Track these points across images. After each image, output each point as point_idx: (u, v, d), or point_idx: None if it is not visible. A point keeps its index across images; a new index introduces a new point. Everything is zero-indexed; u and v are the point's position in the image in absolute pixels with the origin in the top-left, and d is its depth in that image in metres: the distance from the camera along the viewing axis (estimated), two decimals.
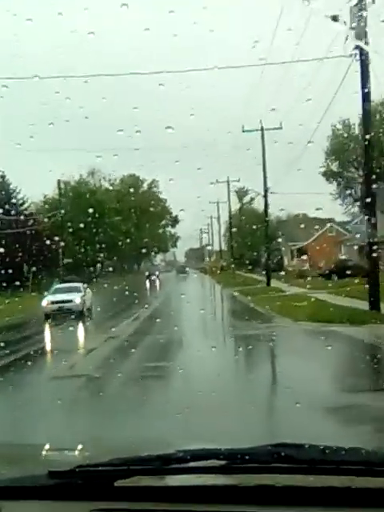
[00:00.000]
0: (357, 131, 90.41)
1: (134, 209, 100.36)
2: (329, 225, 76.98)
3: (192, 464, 2.03)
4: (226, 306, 32.81)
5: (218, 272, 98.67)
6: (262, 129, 49.26)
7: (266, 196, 49.10)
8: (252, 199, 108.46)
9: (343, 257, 64.12)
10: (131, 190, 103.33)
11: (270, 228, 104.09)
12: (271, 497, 1.92)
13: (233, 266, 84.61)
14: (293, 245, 78.83)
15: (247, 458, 2.04)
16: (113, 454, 2.25)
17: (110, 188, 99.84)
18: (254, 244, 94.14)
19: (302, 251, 76.26)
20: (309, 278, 57.02)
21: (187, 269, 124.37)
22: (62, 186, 76.43)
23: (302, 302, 28.94)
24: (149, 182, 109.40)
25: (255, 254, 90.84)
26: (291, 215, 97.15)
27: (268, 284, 49.13)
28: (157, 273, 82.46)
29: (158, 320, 24.40)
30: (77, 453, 2.65)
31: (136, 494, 2.00)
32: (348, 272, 52.11)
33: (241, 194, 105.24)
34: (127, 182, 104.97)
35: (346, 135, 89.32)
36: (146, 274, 78.66)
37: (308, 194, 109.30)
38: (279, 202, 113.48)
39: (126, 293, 36.99)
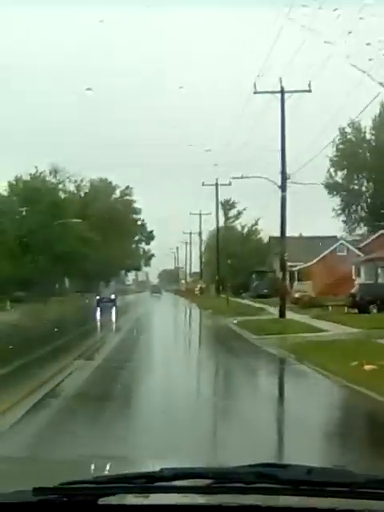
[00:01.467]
0: (368, 136, 74.66)
1: (103, 218, 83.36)
2: (339, 242, 60.49)
3: (176, 483, 1.96)
4: (264, 380, 14.72)
5: (197, 294, 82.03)
6: (281, 90, 32.67)
7: (283, 183, 32.35)
8: (239, 213, 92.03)
9: (366, 281, 47.44)
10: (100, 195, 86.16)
11: (259, 247, 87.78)
12: None
13: (219, 287, 68.11)
14: (292, 266, 61.97)
15: (232, 477, 1.99)
16: (97, 472, 2.23)
17: (75, 191, 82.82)
18: (239, 265, 77.13)
19: (304, 274, 59.58)
20: (329, 308, 40.53)
21: (161, 290, 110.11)
22: (12, 179, 59.30)
23: None
24: (122, 188, 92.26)
25: (235, 276, 74.73)
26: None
27: (281, 315, 32.27)
28: (112, 296, 59.61)
29: (93, 428, 7.61)
30: (61, 469, 2.61)
31: None
32: None
33: (227, 206, 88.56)
34: (97, 186, 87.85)
35: (354, 140, 73.39)
36: (97, 298, 57.33)
37: (301, 214, 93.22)
38: (268, 224, 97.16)
39: (59, 326, 20.84)
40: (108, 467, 2.54)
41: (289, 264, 64.32)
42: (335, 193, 76.19)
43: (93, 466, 2.59)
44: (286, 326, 26.54)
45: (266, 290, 61.43)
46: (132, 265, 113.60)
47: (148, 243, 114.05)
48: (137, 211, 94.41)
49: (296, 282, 60.45)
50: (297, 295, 47.69)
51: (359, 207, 75.48)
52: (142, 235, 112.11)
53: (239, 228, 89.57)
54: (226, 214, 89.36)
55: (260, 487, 1.95)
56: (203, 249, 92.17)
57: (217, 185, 62.00)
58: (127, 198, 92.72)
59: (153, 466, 2.16)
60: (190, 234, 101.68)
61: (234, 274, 76.22)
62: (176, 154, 77.28)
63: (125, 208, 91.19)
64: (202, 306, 47.92)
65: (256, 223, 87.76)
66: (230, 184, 64.01)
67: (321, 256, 59.06)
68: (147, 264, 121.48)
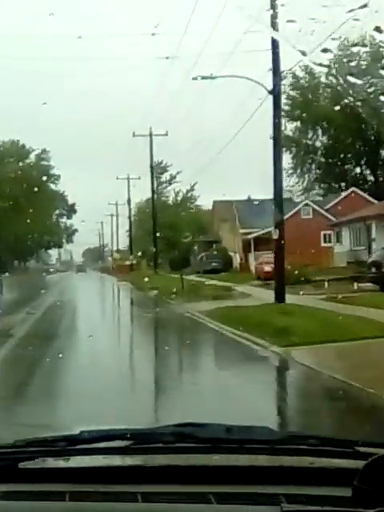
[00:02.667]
0: (324, 79, 62.14)
1: (13, 185, 68.81)
2: (304, 203, 48.14)
3: (97, 445, 1.93)
4: None
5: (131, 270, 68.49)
6: None
7: (277, 84, 19.33)
8: (173, 178, 78.32)
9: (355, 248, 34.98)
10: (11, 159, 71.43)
11: (197, 216, 74.81)
12: (175, 476, 1.82)
13: (156, 263, 55.10)
14: (245, 233, 49.22)
15: (151, 438, 2.00)
16: (16, 436, 2.09)
17: None
18: (175, 237, 63.95)
19: (262, 242, 46.79)
20: (325, 284, 27.96)
21: (86, 268, 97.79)
22: None
23: None
24: (37, 152, 77.43)
25: (170, 249, 62.23)
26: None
27: (280, 299, 19.35)
28: None
29: None
30: None
31: (41, 476, 1.86)
32: None
33: (158, 170, 74.77)
34: (5, 149, 72.97)
35: (308, 86, 60.76)
36: None
37: (246, 175, 79.90)
38: (205, 188, 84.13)
39: None
40: (27, 432, 2.42)
41: (241, 231, 51.64)
42: (285, 149, 63.80)
43: (11, 432, 2.43)
44: (323, 322, 13.60)
45: (215, 264, 48.62)
46: (52, 241, 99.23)
47: (70, 217, 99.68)
48: (55, 178, 79.74)
49: (252, 253, 47.69)
50: (267, 268, 34.92)
51: (313, 165, 63.35)
52: (64, 209, 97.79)
53: (173, 194, 76.40)
54: (157, 179, 75.77)
55: (180, 447, 1.93)
56: (132, 220, 78.59)
57: (151, 135, 48.45)
58: (44, 162, 78.03)
59: (72, 430, 2.05)
60: (117, 204, 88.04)
61: (170, 247, 63.36)
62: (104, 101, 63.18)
63: (41, 175, 76.44)
64: (140, 287, 34.39)
65: (192, 188, 74.57)
66: (166, 134, 50.77)
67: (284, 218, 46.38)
68: (69, 240, 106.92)
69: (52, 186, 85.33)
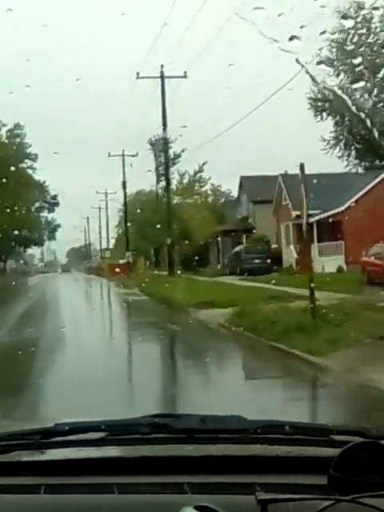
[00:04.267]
0: (378, 19, 46.84)
1: None
2: None
3: (72, 437, 1.90)
4: None
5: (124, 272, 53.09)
6: None
7: None
8: (177, 156, 62.55)
9: None
10: None
11: (208, 203, 59.81)
12: (151, 467, 1.82)
13: (171, 261, 39.91)
14: (297, 217, 33.63)
15: (126, 429, 1.98)
16: None
17: None
18: (184, 229, 48.34)
19: (331, 226, 31.43)
20: None
21: (71, 269, 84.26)
22: None
23: None
24: (9, 127, 61.47)
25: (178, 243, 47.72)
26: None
27: None
28: None
29: None
30: None
31: (15, 469, 1.83)
32: None
33: (159, 147, 59.05)
34: None
35: (357, 28, 45.56)
36: None
37: (275, 149, 64.69)
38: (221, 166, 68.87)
39: None
40: (0, 426, 2.35)
41: (296, 213, 36.39)
42: (325, 114, 48.69)
43: None
44: None
45: (258, 260, 33.25)
46: (31, 238, 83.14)
47: (51, 210, 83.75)
48: (32, 157, 63.85)
49: (315, 244, 32.20)
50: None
51: (360, 134, 48.09)
52: (44, 201, 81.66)
53: (177, 176, 60.96)
54: (157, 158, 60.04)
55: (155, 438, 1.92)
56: (126, 209, 62.95)
57: (162, 77, 32.86)
58: (17, 140, 62.19)
59: (46, 423, 2.02)
60: (106, 193, 72.67)
61: (179, 241, 48.11)
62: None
63: (16, 155, 60.69)
64: (167, 302, 18.86)
65: (201, 169, 59.16)
66: (185, 75, 35.07)
67: (358, 196, 31.22)
68: (51, 237, 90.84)
69: (29, 172, 69.39)
